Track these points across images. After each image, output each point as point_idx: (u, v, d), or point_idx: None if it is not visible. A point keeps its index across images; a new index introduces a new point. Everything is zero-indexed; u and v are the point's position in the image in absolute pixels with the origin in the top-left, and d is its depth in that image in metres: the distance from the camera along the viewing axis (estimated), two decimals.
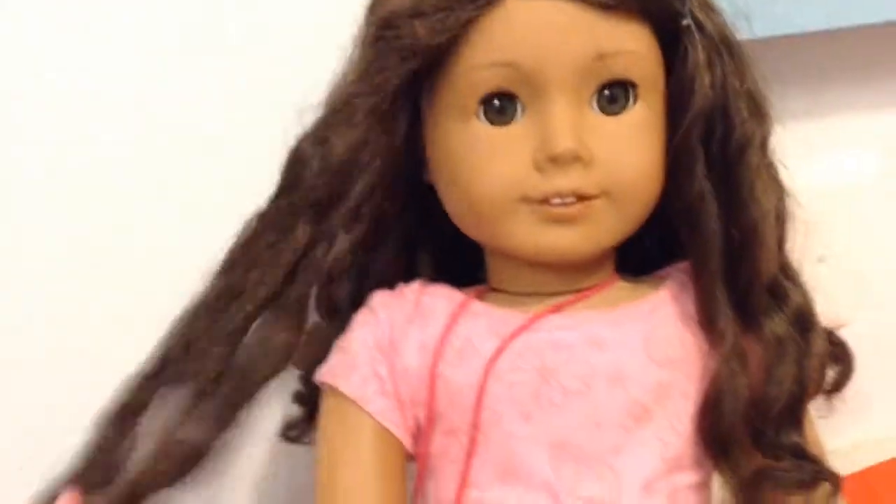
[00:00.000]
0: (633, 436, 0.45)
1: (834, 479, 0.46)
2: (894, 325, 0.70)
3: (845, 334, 0.51)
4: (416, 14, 0.42)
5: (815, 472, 0.45)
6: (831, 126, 0.62)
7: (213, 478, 0.48)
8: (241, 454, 0.55)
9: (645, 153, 0.44)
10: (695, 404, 0.46)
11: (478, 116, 0.44)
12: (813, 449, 0.46)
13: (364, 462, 0.45)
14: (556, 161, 0.42)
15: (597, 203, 0.44)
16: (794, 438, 0.45)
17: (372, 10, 0.46)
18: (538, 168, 0.43)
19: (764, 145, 0.45)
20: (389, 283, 0.49)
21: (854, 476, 0.69)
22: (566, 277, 0.47)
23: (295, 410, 0.53)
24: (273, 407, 0.53)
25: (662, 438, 0.45)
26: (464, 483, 0.45)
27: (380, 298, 0.48)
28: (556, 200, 0.43)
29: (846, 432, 0.70)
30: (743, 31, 0.47)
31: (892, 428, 0.73)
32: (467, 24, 0.42)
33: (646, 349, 0.46)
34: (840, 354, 0.50)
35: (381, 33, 0.44)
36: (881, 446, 0.71)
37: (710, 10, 0.45)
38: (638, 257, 0.51)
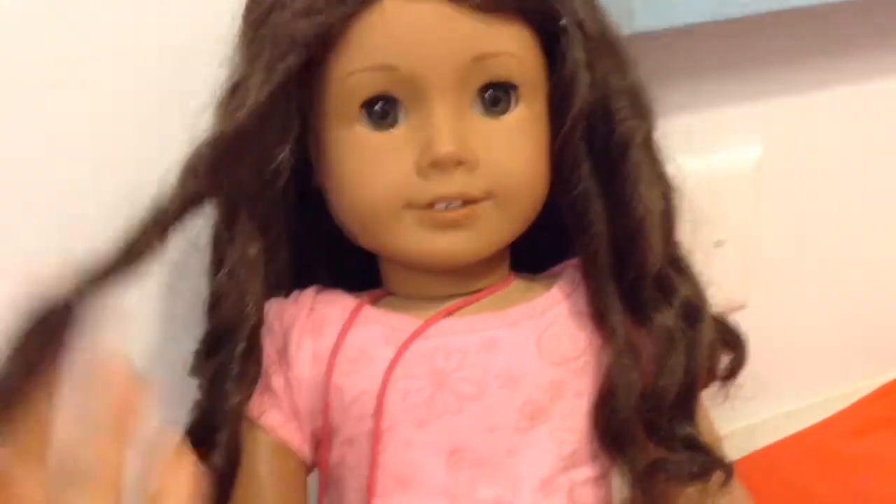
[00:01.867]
0: (528, 436, 0.45)
1: (725, 468, 0.47)
2: (786, 306, 0.72)
3: (741, 317, 0.52)
4: (294, 11, 0.41)
5: (706, 462, 0.46)
6: (715, 116, 0.63)
7: None
8: None
9: (529, 154, 0.44)
10: (589, 401, 0.46)
11: (360, 121, 0.43)
12: (706, 438, 0.47)
13: (259, 476, 0.45)
14: (438, 166, 0.42)
15: (482, 206, 0.43)
16: (687, 429, 0.46)
17: (249, 9, 0.45)
18: (421, 173, 0.42)
19: (647, 142, 0.45)
20: (285, 289, 0.48)
21: (755, 455, 0.71)
22: (459, 280, 0.47)
23: None
24: None
25: (558, 437, 0.45)
26: (370, 493, 0.44)
27: (274, 309, 0.47)
28: (441, 205, 0.43)
29: (745, 414, 0.73)
30: (625, 26, 0.47)
31: (788, 407, 0.75)
32: (344, 24, 0.41)
33: (539, 349, 0.46)
34: (732, 342, 0.51)
35: (260, 30, 0.42)
36: (777, 425, 0.73)
37: (592, 7, 0.45)
38: (533, 254, 0.51)
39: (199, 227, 0.52)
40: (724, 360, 0.51)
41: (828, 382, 0.79)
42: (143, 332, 0.54)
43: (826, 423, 0.77)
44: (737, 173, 0.65)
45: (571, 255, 0.50)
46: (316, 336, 0.46)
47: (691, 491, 0.47)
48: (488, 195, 0.43)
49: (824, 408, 0.78)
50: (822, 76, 0.67)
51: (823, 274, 0.74)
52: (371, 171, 0.43)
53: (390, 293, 0.48)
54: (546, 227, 0.51)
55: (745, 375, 0.52)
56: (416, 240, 0.44)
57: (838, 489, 0.69)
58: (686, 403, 0.46)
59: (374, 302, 0.48)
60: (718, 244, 0.66)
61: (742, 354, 0.51)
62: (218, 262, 0.45)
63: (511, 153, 0.43)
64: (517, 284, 0.49)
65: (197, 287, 0.52)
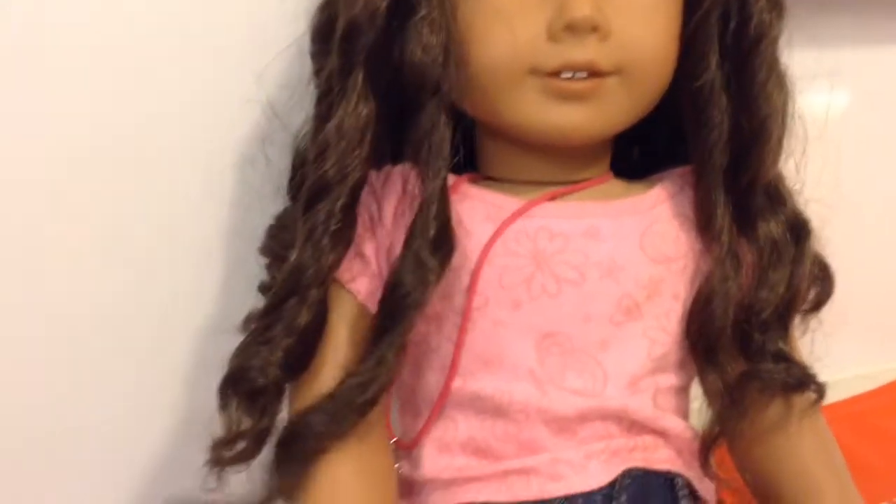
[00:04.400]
0: (623, 330, 0.43)
1: (818, 387, 0.46)
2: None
3: None
4: None
5: (801, 376, 0.45)
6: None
7: None
8: None
9: (662, 31, 0.43)
10: (684, 305, 0.45)
11: None
12: (797, 357, 0.46)
13: (342, 339, 0.43)
14: (572, 29, 0.40)
15: (609, 81, 0.42)
16: (780, 345, 0.45)
17: None
18: (552, 37, 0.41)
19: (778, 40, 0.43)
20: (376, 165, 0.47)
21: None
22: (563, 167, 0.45)
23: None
24: None
25: (651, 336, 0.44)
26: (453, 372, 0.43)
27: (370, 178, 0.46)
28: (567, 74, 0.41)
29: None
30: None
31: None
32: None
33: (641, 244, 0.44)
34: (821, 273, 0.50)
35: None
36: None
37: None
38: (627, 168, 0.49)
39: (282, 95, 0.51)
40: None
41: (875, 356, 0.78)
42: (221, 200, 0.52)
43: (867, 396, 0.77)
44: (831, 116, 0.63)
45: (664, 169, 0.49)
46: (412, 206, 0.44)
47: (777, 411, 0.46)
48: (616, 70, 0.42)
49: (867, 381, 0.77)
50: None
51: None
52: (499, 31, 0.41)
53: (488, 177, 0.47)
54: (646, 139, 0.50)
55: (825, 311, 0.51)
56: (535, 109, 0.42)
57: (883, 456, 0.68)
58: (783, 319, 0.45)
59: (472, 182, 0.46)
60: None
61: (829, 287, 0.50)
62: (324, 115, 0.43)
63: (645, 27, 0.42)
64: (617, 182, 0.47)
65: (276, 159, 0.51)
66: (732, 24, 0.43)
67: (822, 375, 0.73)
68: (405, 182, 0.46)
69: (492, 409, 0.43)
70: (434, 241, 0.41)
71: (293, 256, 0.42)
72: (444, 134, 0.41)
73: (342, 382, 0.41)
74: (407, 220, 0.44)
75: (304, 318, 0.42)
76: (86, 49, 0.49)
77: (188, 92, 0.51)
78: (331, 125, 0.42)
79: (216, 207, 0.52)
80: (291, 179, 0.49)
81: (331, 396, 0.41)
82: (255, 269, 0.50)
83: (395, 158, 0.47)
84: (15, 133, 0.48)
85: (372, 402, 0.41)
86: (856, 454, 0.68)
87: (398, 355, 0.41)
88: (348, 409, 0.41)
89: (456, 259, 0.43)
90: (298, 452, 0.41)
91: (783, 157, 0.46)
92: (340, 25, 0.42)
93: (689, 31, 0.43)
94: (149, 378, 0.53)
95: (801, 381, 0.45)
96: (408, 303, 0.41)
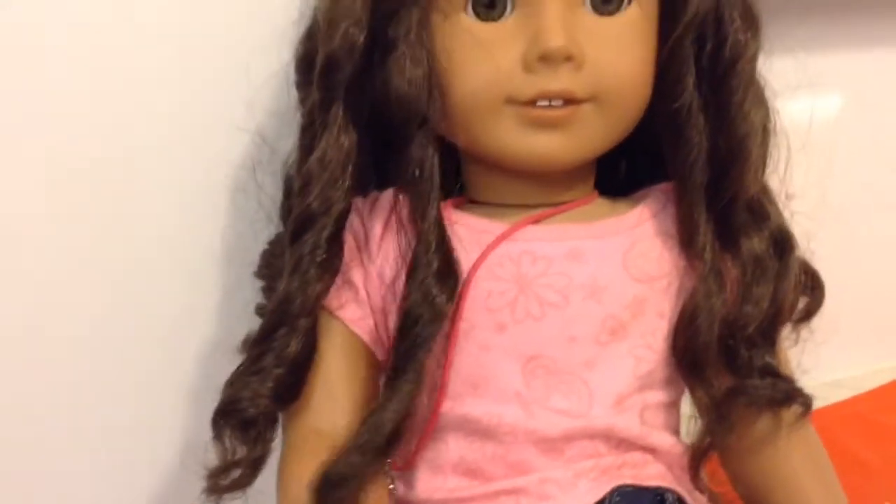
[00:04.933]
0: (608, 350, 0.44)
1: (805, 400, 0.46)
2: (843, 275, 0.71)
3: None
4: None
5: (788, 390, 0.45)
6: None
7: None
8: None
9: (637, 57, 0.43)
10: (669, 322, 0.45)
11: (465, 10, 0.42)
12: (785, 370, 0.46)
13: (332, 368, 0.44)
14: (546, 59, 0.41)
15: (584, 108, 0.42)
16: (767, 359, 0.45)
17: None
18: (527, 68, 0.41)
19: (755, 59, 0.44)
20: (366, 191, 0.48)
21: None
22: (546, 190, 0.46)
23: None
24: None
25: (636, 354, 0.45)
26: (442, 395, 0.43)
27: (356, 206, 0.46)
28: (543, 103, 0.42)
29: None
30: None
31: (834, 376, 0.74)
32: None
33: (624, 264, 0.45)
34: (811, 283, 0.50)
35: None
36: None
37: None
38: (614, 184, 0.50)
39: (272, 122, 0.52)
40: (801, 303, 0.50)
41: (874, 355, 0.78)
42: (213, 228, 0.53)
43: (873, 394, 0.77)
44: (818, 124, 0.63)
45: (654, 184, 0.49)
46: (399, 233, 0.45)
47: (765, 425, 0.46)
48: (591, 97, 0.42)
49: (873, 378, 0.77)
50: None
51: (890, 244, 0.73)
52: (475, 62, 0.42)
53: (473, 201, 0.47)
54: (632, 154, 0.50)
55: (816, 321, 0.51)
56: (513, 137, 0.43)
57: (885, 457, 0.68)
58: (769, 334, 0.45)
59: (457, 207, 0.47)
60: (789, 197, 0.65)
61: (819, 297, 0.50)
62: (308, 147, 0.44)
63: (619, 54, 0.42)
64: (601, 202, 0.48)
65: (267, 185, 0.52)
66: (708, 46, 0.43)
67: (820, 376, 0.74)
68: (391, 208, 0.46)
69: (481, 432, 0.44)
70: (439, 273, 0.42)
71: (281, 287, 0.43)
72: (434, 164, 0.42)
73: (370, 423, 0.42)
74: (395, 245, 0.45)
75: (293, 347, 0.42)
76: (74, 79, 0.50)
77: (179, 119, 0.52)
78: (313, 157, 0.43)
79: (209, 234, 0.53)
80: (282, 206, 0.50)
81: (364, 437, 0.41)
82: (250, 293, 0.51)
83: (381, 184, 0.48)
84: None
85: (400, 437, 0.42)
86: (856, 454, 0.69)
87: (418, 390, 0.42)
88: (381, 446, 0.41)
89: None
90: (343, 492, 0.41)
91: (767, 171, 0.47)
92: (319, 60, 0.43)
93: (664, 55, 0.43)
94: (146, 404, 0.54)
95: (788, 395, 0.45)
96: (424, 336, 0.41)
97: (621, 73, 0.42)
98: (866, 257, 0.70)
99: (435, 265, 0.42)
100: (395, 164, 0.43)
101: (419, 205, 0.42)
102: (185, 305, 0.54)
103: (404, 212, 0.46)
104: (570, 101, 0.42)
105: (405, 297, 0.42)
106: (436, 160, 0.42)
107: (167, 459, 0.55)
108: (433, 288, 0.41)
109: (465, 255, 0.44)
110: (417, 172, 0.42)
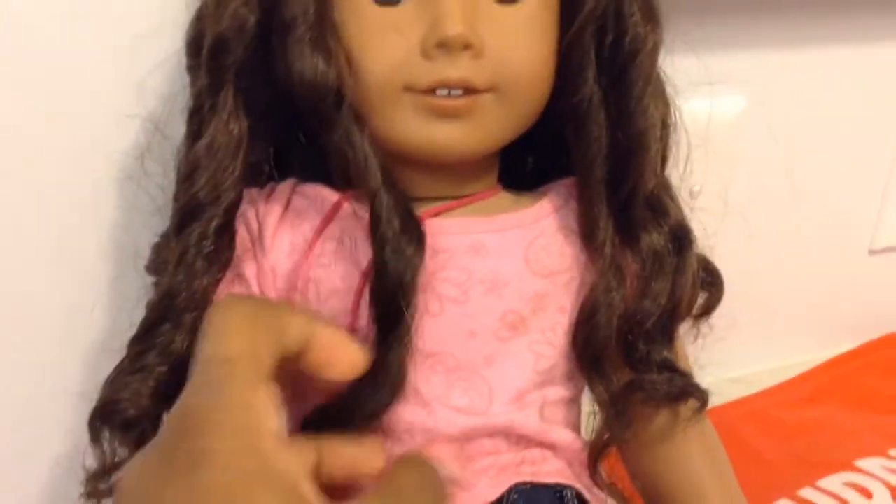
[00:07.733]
0: (508, 346, 0.43)
1: (701, 395, 0.46)
2: (746, 271, 0.72)
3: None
4: None
5: (684, 385, 0.45)
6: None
7: None
8: None
9: (537, 48, 0.42)
10: (570, 318, 0.45)
11: None
12: (682, 365, 0.47)
13: None
14: (445, 46, 0.40)
15: (484, 98, 0.41)
16: (665, 354, 0.45)
17: None
18: (426, 55, 0.40)
19: (655, 53, 0.43)
20: (260, 182, 0.46)
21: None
22: (448, 182, 0.45)
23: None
24: None
25: (536, 350, 0.44)
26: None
27: (249, 197, 0.45)
28: (442, 92, 0.41)
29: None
30: None
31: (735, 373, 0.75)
32: None
33: (525, 258, 0.44)
34: (710, 280, 0.50)
35: None
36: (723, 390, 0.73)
37: None
38: (518, 178, 0.49)
39: (167, 111, 0.50)
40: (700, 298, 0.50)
41: (778, 352, 0.80)
42: (102, 220, 0.51)
43: (772, 391, 0.78)
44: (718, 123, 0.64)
45: (558, 179, 0.49)
46: (294, 226, 0.44)
47: (662, 420, 0.47)
48: (491, 87, 0.41)
49: (773, 376, 0.78)
50: (809, 32, 0.67)
51: (789, 243, 0.74)
52: (372, 47, 0.40)
53: None
54: (535, 149, 0.50)
55: (716, 316, 0.52)
56: (413, 126, 0.41)
57: (783, 452, 0.70)
58: (666, 329, 0.46)
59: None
60: (693, 195, 0.66)
61: (719, 293, 0.51)
62: (196, 133, 0.42)
63: (519, 44, 0.42)
64: (504, 195, 0.47)
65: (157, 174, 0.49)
66: (608, 39, 0.43)
67: (720, 373, 0.75)
68: (289, 200, 0.45)
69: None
70: (403, 228, 0.40)
71: (165, 280, 0.41)
72: (362, 142, 0.40)
73: (361, 389, 0.39)
74: (290, 238, 0.43)
75: (178, 344, 0.40)
76: None
77: (65, 105, 0.49)
78: (201, 143, 0.41)
79: (95, 225, 0.51)
80: (175, 196, 0.48)
81: (351, 402, 0.40)
82: (141, 288, 0.48)
83: (282, 174, 0.46)
84: None
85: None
86: (755, 449, 0.70)
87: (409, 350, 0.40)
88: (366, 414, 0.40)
89: (339, 279, 0.43)
90: None
91: (668, 167, 0.47)
92: (207, 41, 0.41)
93: (565, 47, 0.43)
94: (32, 404, 0.51)
95: (684, 390, 0.45)
96: (405, 286, 0.39)
97: (521, 64, 0.42)
98: (766, 255, 0.71)
99: (396, 223, 0.40)
100: (329, 158, 0.41)
101: (362, 182, 0.40)
102: (70, 301, 0.51)
103: (299, 200, 0.44)
104: (469, 90, 0.41)
105: (376, 257, 0.39)
106: (365, 139, 0.40)
107: (52, 462, 0.53)
108: (400, 243, 0.39)
109: (363, 249, 0.42)
110: (349, 155, 0.40)
